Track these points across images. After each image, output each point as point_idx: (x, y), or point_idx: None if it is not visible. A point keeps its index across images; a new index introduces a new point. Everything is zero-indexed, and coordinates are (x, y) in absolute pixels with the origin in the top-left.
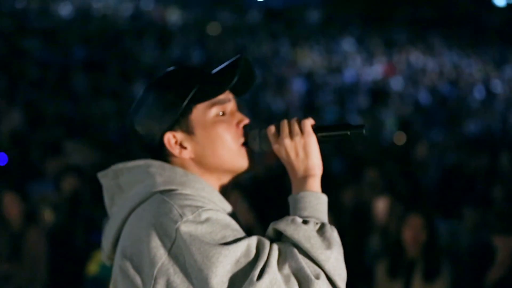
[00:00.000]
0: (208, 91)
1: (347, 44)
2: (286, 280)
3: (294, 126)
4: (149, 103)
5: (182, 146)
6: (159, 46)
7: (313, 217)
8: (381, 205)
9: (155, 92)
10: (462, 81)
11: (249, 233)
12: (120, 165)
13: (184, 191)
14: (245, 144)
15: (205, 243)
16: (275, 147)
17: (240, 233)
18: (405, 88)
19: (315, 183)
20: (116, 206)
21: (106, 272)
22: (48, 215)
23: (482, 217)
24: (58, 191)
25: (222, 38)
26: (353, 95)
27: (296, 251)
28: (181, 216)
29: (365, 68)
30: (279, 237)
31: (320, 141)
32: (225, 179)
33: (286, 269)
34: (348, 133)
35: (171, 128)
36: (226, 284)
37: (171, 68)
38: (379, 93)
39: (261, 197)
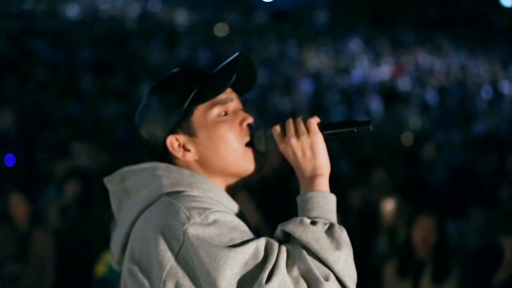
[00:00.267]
0: (207, 92)
1: (355, 45)
2: (295, 283)
3: (300, 125)
4: (150, 108)
5: (185, 149)
6: (166, 47)
7: (322, 217)
8: (388, 206)
9: (156, 96)
10: (469, 81)
11: (257, 234)
12: (126, 169)
13: (191, 193)
14: (250, 145)
15: (212, 245)
16: (281, 147)
17: (249, 234)
18: (413, 89)
19: (323, 182)
20: (123, 211)
21: (114, 273)
22: (54, 216)
23: (489, 217)
24: (63, 194)
25: (229, 39)
26: (360, 96)
27: (305, 252)
28: (188, 219)
29: (373, 68)
30: (287, 239)
31: (327, 139)
32: (232, 180)
33: (295, 271)
34: (355, 130)
35: (173, 131)
36: (234, 287)
37: (172, 71)
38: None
39: (269, 198)
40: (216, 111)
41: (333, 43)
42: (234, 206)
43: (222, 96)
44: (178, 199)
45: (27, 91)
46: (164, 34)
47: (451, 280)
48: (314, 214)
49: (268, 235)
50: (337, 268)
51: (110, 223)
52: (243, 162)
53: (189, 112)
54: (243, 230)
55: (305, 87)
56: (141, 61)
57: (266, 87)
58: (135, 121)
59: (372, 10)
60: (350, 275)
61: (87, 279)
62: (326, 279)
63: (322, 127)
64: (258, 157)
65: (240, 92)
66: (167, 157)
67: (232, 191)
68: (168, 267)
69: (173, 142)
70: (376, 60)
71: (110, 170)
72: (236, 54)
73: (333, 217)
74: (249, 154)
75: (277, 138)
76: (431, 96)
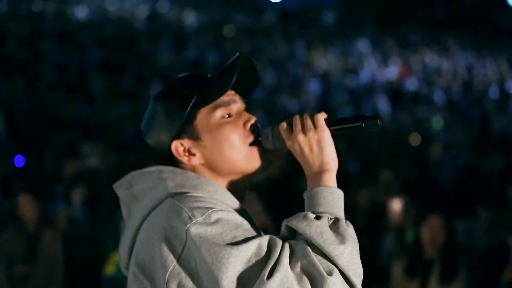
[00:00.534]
0: (209, 95)
1: (362, 46)
2: (298, 278)
3: (307, 121)
4: (154, 115)
5: (190, 153)
6: (175, 48)
7: (328, 212)
8: (396, 206)
9: (159, 103)
10: (476, 81)
11: (263, 234)
12: (133, 174)
13: (195, 194)
14: (257, 143)
15: (214, 244)
16: (288, 143)
17: (252, 232)
18: (420, 89)
19: (330, 178)
20: (132, 216)
21: (123, 273)
22: (65, 216)
23: (497, 217)
24: (71, 198)
25: (237, 40)
26: (368, 96)
27: (308, 247)
28: (190, 218)
29: (380, 69)
30: (293, 235)
31: (334, 135)
32: (239, 181)
33: (298, 267)
34: (363, 124)
35: (177, 137)
36: (237, 285)
37: (175, 78)
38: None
39: (277, 198)
40: (219, 113)
41: (341, 44)
42: (240, 207)
43: (225, 98)
44: (181, 200)
45: (36, 92)
46: (172, 35)
47: (459, 280)
48: (320, 209)
49: (275, 235)
50: (341, 262)
51: (119, 223)
52: (249, 161)
53: (192, 116)
54: (246, 228)
55: (313, 87)
56: (150, 62)
57: (274, 87)
58: (141, 130)
59: (379, 11)
60: (355, 269)
61: (96, 279)
62: (330, 274)
63: (329, 122)
64: (265, 154)
65: (244, 93)
66: (173, 163)
67: (240, 192)
68: (171, 268)
69: (178, 147)
70: (384, 60)
71: (119, 171)
72: (236, 55)
73: (339, 212)
74: (254, 152)
75: (284, 134)
76: (438, 96)
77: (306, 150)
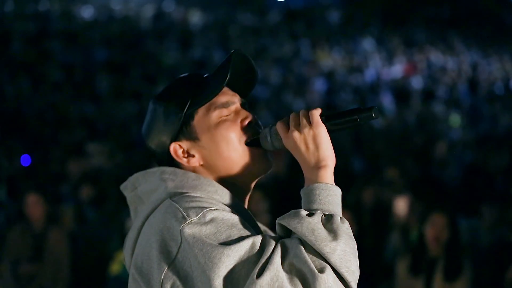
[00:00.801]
0: (204, 95)
1: (367, 44)
2: (289, 276)
3: (302, 118)
4: (153, 118)
5: (189, 155)
6: (180, 47)
7: (321, 209)
8: (401, 204)
9: (156, 106)
10: (481, 80)
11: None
12: (137, 175)
13: (193, 194)
14: (257, 144)
15: (207, 244)
16: (285, 141)
17: (247, 232)
18: (425, 87)
19: (326, 174)
20: (137, 218)
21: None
22: (71, 215)
23: (502, 215)
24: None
25: (243, 39)
26: (373, 95)
27: (301, 245)
28: (185, 218)
29: (385, 67)
30: (288, 233)
31: (330, 130)
32: (240, 182)
33: (290, 265)
34: (357, 118)
35: (176, 139)
36: (229, 285)
37: (173, 80)
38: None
39: (283, 197)
40: (215, 112)
41: (346, 42)
42: (241, 207)
43: (221, 97)
44: (178, 201)
45: (42, 92)
46: (178, 34)
47: (463, 278)
48: (314, 206)
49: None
50: (333, 259)
51: (125, 222)
52: (248, 161)
53: (189, 117)
54: (241, 228)
55: (318, 86)
56: (156, 61)
57: (279, 86)
58: (142, 134)
59: (384, 9)
60: (348, 266)
61: (102, 278)
62: (321, 271)
63: (325, 118)
64: (265, 155)
65: (243, 91)
66: (175, 164)
67: (242, 192)
68: (166, 269)
69: (177, 149)
70: (389, 59)
71: (125, 170)
72: (231, 52)
73: (335, 208)
74: (253, 153)
75: (281, 133)
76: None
77: (302, 147)
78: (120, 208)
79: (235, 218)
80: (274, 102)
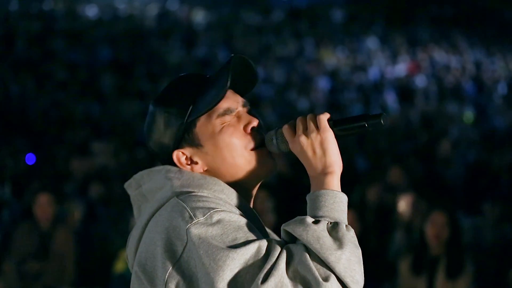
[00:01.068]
0: (205, 103)
1: (371, 43)
2: (293, 283)
3: (310, 122)
4: (154, 122)
5: (193, 161)
6: (185, 46)
7: (327, 216)
8: (405, 202)
9: (157, 110)
10: (485, 78)
11: (272, 234)
12: (141, 173)
13: (200, 193)
14: (262, 146)
15: (213, 245)
16: (292, 145)
17: (254, 235)
18: (429, 86)
19: (333, 180)
20: (141, 216)
21: None
22: (77, 214)
23: (504, 212)
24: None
25: (247, 38)
26: (377, 93)
27: (306, 252)
28: (191, 218)
29: (389, 66)
30: (293, 239)
31: (338, 136)
32: (245, 184)
33: (294, 272)
34: (366, 124)
35: (178, 146)
36: None
37: (173, 80)
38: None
39: (288, 196)
40: (217, 119)
41: (349, 41)
42: (247, 207)
43: (223, 103)
44: (185, 200)
45: (47, 91)
46: (182, 33)
47: (465, 276)
48: (319, 213)
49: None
50: (338, 268)
51: (129, 221)
52: (253, 166)
53: (191, 124)
54: (248, 230)
55: (322, 84)
56: (160, 60)
57: (283, 85)
58: (143, 135)
59: (388, 8)
60: (353, 276)
61: (106, 276)
62: (326, 280)
63: (332, 123)
64: (269, 157)
65: (244, 90)
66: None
67: (248, 193)
68: (170, 268)
69: (180, 156)
70: (393, 57)
71: (129, 169)
72: (230, 56)
73: (341, 216)
74: (258, 156)
75: (287, 137)
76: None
77: (309, 152)
78: (124, 207)
79: (241, 220)
80: (278, 100)
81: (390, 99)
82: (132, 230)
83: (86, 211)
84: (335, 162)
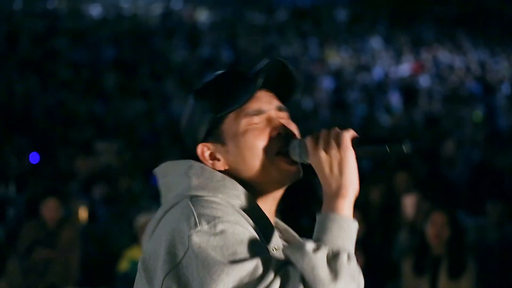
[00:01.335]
0: (236, 99)
1: (375, 42)
2: None
3: (332, 138)
4: (189, 113)
5: (215, 158)
6: (188, 46)
7: (330, 243)
8: (409, 202)
9: (193, 101)
10: (489, 78)
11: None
12: (168, 163)
13: (212, 198)
14: (286, 153)
15: (211, 257)
16: (311, 159)
17: (256, 251)
18: (433, 86)
19: (344, 204)
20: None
21: (136, 269)
22: (83, 213)
23: (508, 212)
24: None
25: (251, 38)
26: (381, 93)
27: (300, 280)
28: (196, 225)
29: (393, 66)
30: None
31: (358, 157)
32: (265, 190)
33: None
34: (388, 150)
35: (204, 140)
36: None
37: (215, 73)
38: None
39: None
40: (246, 119)
41: (353, 41)
42: (261, 216)
43: (254, 103)
44: (195, 203)
45: (51, 90)
46: (186, 33)
47: (468, 275)
48: (323, 238)
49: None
50: None
51: (133, 220)
52: (272, 172)
53: (220, 120)
54: (250, 245)
55: (326, 84)
56: (164, 59)
57: None
58: (180, 128)
59: (392, 8)
60: None
61: (110, 276)
62: None
63: (356, 142)
64: (291, 165)
65: (284, 97)
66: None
67: (267, 199)
68: (168, 271)
69: (204, 151)
70: (397, 57)
71: (133, 168)
72: (268, 59)
73: (345, 244)
74: (278, 163)
75: (309, 149)
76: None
77: (326, 169)
78: (128, 206)
79: (246, 233)
80: None
81: (394, 99)
82: (152, 219)
83: (90, 210)
84: (351, 184)
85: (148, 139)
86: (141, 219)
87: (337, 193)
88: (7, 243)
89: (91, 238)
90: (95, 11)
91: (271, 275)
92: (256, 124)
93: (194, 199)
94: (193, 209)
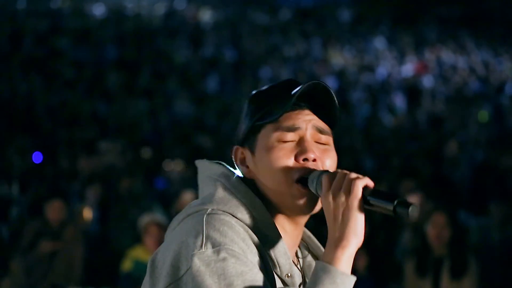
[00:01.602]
0: (272, 112)
1: (379, 43)
2: None
3: (345, 184)
4: (242, 113)
5: (245, 164)
6: (191, 46)
7: None
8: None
9: (246, 104)
10: (492, 78)
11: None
12: (204, 162)
13: (228, 218)
14: (305, 182)
15: (206, 284)
16: (321, 199)
17: (253, 285)
18: (436, 86)
19: (343, 256)
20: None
21: (140, 269)
22: (87, 213)
23: (511, 213)
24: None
25: (254, 37)
26: (384, 93)
27: None
28: (201, 246)
29: (397, 66)
30: None
31: (366, 207)
32: (285, 212)
33: None
34: (393, 210)
35: (242, 143)
36: None
37: (280, 80)
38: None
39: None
40: (277, 134)
41: (357, 41)
42: (277, 241)
43: (290, 120)
44: (209, 221)
45: (54, 90)
46: (189, 32)
47: (470, 275)
48: None
49: None
50: None
51: (135, 220)
52: (287, 199)
53: (258, 128)
54: (248, 279)
55: (329, 84)
56: (167, 59)
57: None
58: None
59: (395, 8)
60: None
61: (114, 275)
62: None
63: (367, 192)
64: (308, 197)
65: (330, 123)
66: None
67: (287, 221)
68: (169, 284)
69: (238, 154)
70: (400, 57)
71: (136, 168)
72: (310, 82)
73: None
74: (296, 192)
75: (323, 187)
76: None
77: (331, 216)
78: (130, 206)
79: (248, 265)
80: None
81: (398, 99)
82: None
83: (93, 210)
84: (354, 236)
85: (151, 138)
86: (144, 219)
87: (337, 243)
88: (10, 243)
89: (94, 238)
90: (98, 10)
91: None
92: (286, 142)
93: (211, 215)
94: (204, 228)
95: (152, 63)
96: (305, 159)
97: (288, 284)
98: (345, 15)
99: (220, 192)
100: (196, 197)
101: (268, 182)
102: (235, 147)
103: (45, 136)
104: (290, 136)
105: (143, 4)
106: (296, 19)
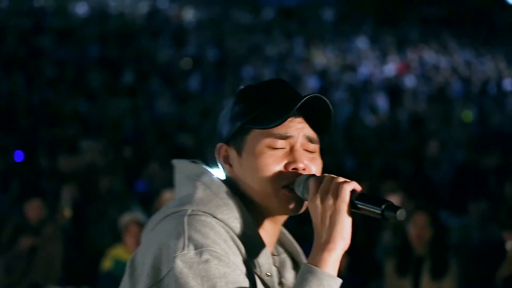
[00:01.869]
0: (265, 120)
1: (361, 43)
2: None
3: (332, 187)
4: (226, 109)
5: (228, 162)
6: (174, 45)
7: None
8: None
9: (233, 100)
10: (474, 79)
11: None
12: (185, 163)
13: (209, 219)
14: (291, 187)
15: (190, 286)
16: (308, 202)
17: (237, 286)
18: (418, 86)
19: (330, 259)
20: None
21: (120, 268)
22: (67, 212)
23: (491, 212)
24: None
25: (236, 37)
26: (367, 93)
27: None
28: (183, 248)
29: (379, 66)
30: None
31: (353, 211)
32: (265, 212)
33: None
34: (381, 213)
35: (227, 141)
36: None
37: (270, 79)
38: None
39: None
40: (268, 140)
41: (339, 41)
42: (257, 243)
43: (282, 128)
44: (191, 223)
45: (36, 88)
46: (172, 32)
47: (450, 275)
48: None
49: None
50: None
51: (116, 219)
52: (273, 202)
53: (246, 130)
54: (230, 281)
55: (311, 84)
56: (149, 58)
57: None
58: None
59: (378, 8)
60: None
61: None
62: None
63: (355, 196)
64: (293, 201)
65: (318, 131)
66: None
67: (266, 222)
68: (150, 286)
69: (222, 151)
70: (382, 57)
71: (117, 167)
72: (310, 94)
73: None
74: (283, 196)
75: (310, 191)
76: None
77: (318, 219)
78: (110, 205)
79: (231, 266)
80: None
81: (380, 99)
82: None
83: (73, 209)
84: (341, 239)
85: (132, 137)
86: (125, 218)
87: (324, 246)
88: None
89: (73, 237)
90: (81, 9)
91: None
92: (276, 149)
93: (192, 216)
94: (186, 230)
95: (134, 62)
96: (295, 169)
97: (267, 283)
98: (328, 15)
99: (200, 193)
100: None
101: (254, 185)
102: (219, 144)
103: (27, 134)
104: (281, 143)
105: (126, 3)
106: (279, 18)
